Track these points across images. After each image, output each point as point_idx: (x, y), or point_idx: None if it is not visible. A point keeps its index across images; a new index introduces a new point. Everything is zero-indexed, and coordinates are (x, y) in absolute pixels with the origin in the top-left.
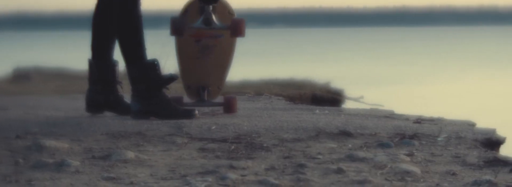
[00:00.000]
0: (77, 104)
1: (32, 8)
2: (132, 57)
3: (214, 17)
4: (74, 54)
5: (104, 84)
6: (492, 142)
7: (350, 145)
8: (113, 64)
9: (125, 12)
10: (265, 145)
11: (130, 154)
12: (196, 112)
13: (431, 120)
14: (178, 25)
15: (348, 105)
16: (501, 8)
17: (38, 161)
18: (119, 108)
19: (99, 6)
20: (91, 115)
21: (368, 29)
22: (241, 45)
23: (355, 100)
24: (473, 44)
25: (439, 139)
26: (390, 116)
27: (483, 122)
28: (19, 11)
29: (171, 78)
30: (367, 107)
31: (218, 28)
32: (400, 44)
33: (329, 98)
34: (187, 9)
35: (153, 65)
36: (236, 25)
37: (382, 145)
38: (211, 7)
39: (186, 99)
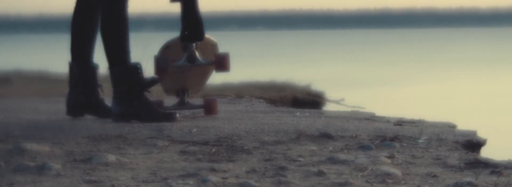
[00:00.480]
0: (58, 107)
1: (12, 11)
2: (115, 59)
3: (197, 54)
4: (55, 57)
5: (85, 86)
6: (473, 144)
7: (331, 148)
8: (93, 67)
9: (111, 13)
10: (246, 147)
11: (111, 157)
12: (177, 115)
13: (412, 122)
14: (161, 64)
15: (329, 107)
16: (482, 10)
17: (20, 164)
18: (100, 110)
19: (78, 8)
20: (72, 118)
21: (349, 32)
22: (221, 48)
23: (336, 102)
24: (453, 46)
25: (420, 141)
26: (371, 118)
27: (464, 123)
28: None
29: (152, 81)
30: (348, 109)
31: (202, 65)
32: (381, 47)
33: (310, 100)
34: (168, 46)
35: (136, 68)
36: (220, 61)
37: (363, 147)
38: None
39: (167, 102)
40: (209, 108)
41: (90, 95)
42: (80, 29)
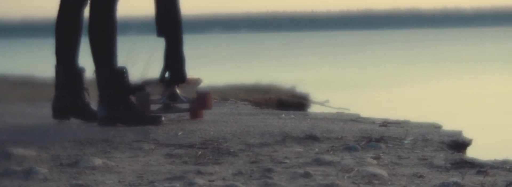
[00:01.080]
0: (44, 111)
1: None
2: (102, 62)
3: (178, 91)
4: (40, 61)
5: (71, 89)
6: (459, 144)
7: (316, 149)
8: (80, 70)
9: (100, 16)
10: (232, 150)
11: (98, 161)
12: (163, 118)
13: (397, 123)
14: (142, 100)
15: (314, 109)
16: (466, 10)
17: (6, 168)
18: (86, 114)
19: (62, 10)
20: (58, 122)
21: (332, 33)
22: (206, 50)
23: (321, 104)
24: (438, 46)
25: (405, 141)
26: (356, 119)
27: (449, 124)
28: None
29: (138, 87)
30: (333, 110)
31: (183, 103)
32: (365, 48)
33: (295, 102)
34: (149, 83)
35: (122, 72)
36: (202, 99)
37: (349, 149)
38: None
39: (153, 106)
40: (202, 102)
41: (76, 98)
42: (65, 31)
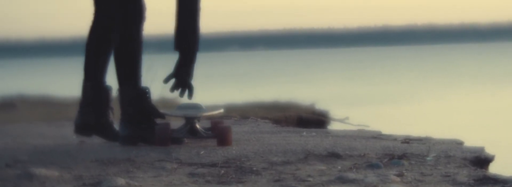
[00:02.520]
0: (64, 131)
1: (13, 36)
2: (126, 81)
3: (198, 126)
4: (57, 81)
5: (96, 106)
6: (481, 160)
7: (339, 167)
8: (107, 88)
9: (128, 35)
10: (254, 168)
11: (121, 181)
12: (185, 140)
13: (419, 140)
14: (162, 134)
15: (334, 126)
16: (482, 26)
17: None
18: (108, 132)
19: (94, 29)
20: (79, 141)
21: (350, 49)
22: (223, 68)
23: (341, 121)
24: (456, 61)
25: (428, 158)
26: (377, 136)
27: (471, 140)
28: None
29: (160, 114)
30: (353, 127)
31: (203, 138)
32: (382, 64)
33: (315, 120)
34: (169, 114)
35: (145, 92)
36: (222, 135)
37: (372, 166)
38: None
39: (174, 125)
40: (222, 139)
41: (100, 116)
42: (96, 49)
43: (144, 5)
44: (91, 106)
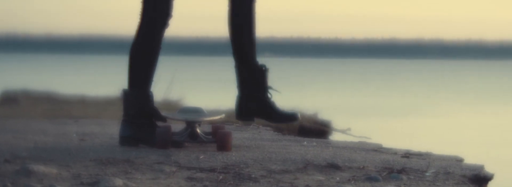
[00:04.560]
0: (66, 128)
1: (20, 30)
2: (134, 82)
3: (198, 130)
4: (62, 77)
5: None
6: (480, 178)
7: (338, 178)
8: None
9: (147, 38)
10: (253, 175)
11: (119, 182)
12: (185, 144)
13: (419, 155)
14: (163, 137)
15: (335, 136)
16: (489, 43)
17: (27, 185)
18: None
19: (144, 34)
20: (80, 137)
21: (356, 60)
22: (229, 73)
23: (343, 132)
24: (461, 77)
25: (427, 174)
26: (378, 149)
27: (471, 157)
28: (8, 33)
29: (161, 117)
30: (355, 139)
31: (204, 142)
32: (387, 76)
33: (317, 129)
34: (170, 117)
35: (148, 95)
36: (222, 140)
37: (370, 179)
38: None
39: (175, 128)
40: (222, 144)
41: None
42: (145, 56)
43: (171, 12)
44: (247, 88)
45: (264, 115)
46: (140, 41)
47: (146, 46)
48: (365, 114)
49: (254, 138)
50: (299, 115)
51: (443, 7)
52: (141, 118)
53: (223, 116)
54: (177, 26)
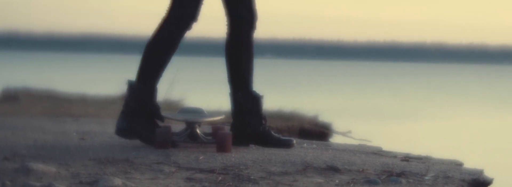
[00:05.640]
0: (66, 127)
1: (22, 28)
2: (142, 77)
3: (198, 131)
4: (63, 76)
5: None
6: (479, 183)
7: (337, 181)
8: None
9: (165, 35)
10: (252, 177)
11: (118, 181)
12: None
13: (419, 158)
14: (163, 138)
15: (335, 139)
16: (491, 47)
17: (25, 184)
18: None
19: (165, 34)
20: (80, 136)
21: (358, 63)
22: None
23: (343, 134)
24: (462, 82)
25: (426, 177)
26: (378, 152)
27: (471, 161)
28: (9, 30)
29: (160, 116)
30: (355, 141)
31: (203, 143)
32: (389, 79)
33: (317, 132)
34: (170, 117)
35: (153, 92)
36: (222, 141)
37: (369, 182)
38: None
39: (175, 128)
40: (222, 145)
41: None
42: (162, 54)
43: (197, 17)
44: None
45: (260, 141)
46: (158, 39)
47: (164, 45)
48: (366, 117)
49: None
50: (294, 141)
51: (446, 11)
52: (140, 113)
53: (223, 116)
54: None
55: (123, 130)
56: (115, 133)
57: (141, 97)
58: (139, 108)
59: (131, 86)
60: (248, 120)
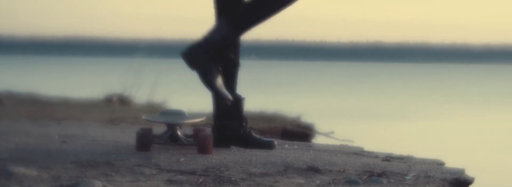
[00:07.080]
0: (48, 130)
1: (4, 32)
2: (240, 26)
3: (179, 133)
4: (45, 79)
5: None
6: (460, 182)
7: (318, 181)
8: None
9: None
10: (233, 178)
11: (98, 184)
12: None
13: (400, 158)
14: (143, 140)
15: (318, 139)
16: (474, 47)
17: None
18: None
19: None
20: (61, 139)
21: (341, 64)
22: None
23: (326, 135)
24: (445, 81)
25: (407, 177)
26: (359, 152)
27: (452, 161)
28: None
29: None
30: (337, 142)
31: (184, 145)
32: (372, 80)
33: (300, 132)
34: (151, 119)
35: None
36: (203, 143)
37: (350, 182)
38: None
39: (156, 130)
40: (203, 146)
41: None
42: None
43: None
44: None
45: (241, 143)
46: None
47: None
48: (348, 117)
49: None
50: (275, 143)
51: (428, 10)
52: (214, 52)
53: (204, 118)
54: (161, 29)
55: (188, 58)
56: (182, 54)
57: (222, 40)
58: (216, 48)
59: (225, 26)
60: (229, 122)
